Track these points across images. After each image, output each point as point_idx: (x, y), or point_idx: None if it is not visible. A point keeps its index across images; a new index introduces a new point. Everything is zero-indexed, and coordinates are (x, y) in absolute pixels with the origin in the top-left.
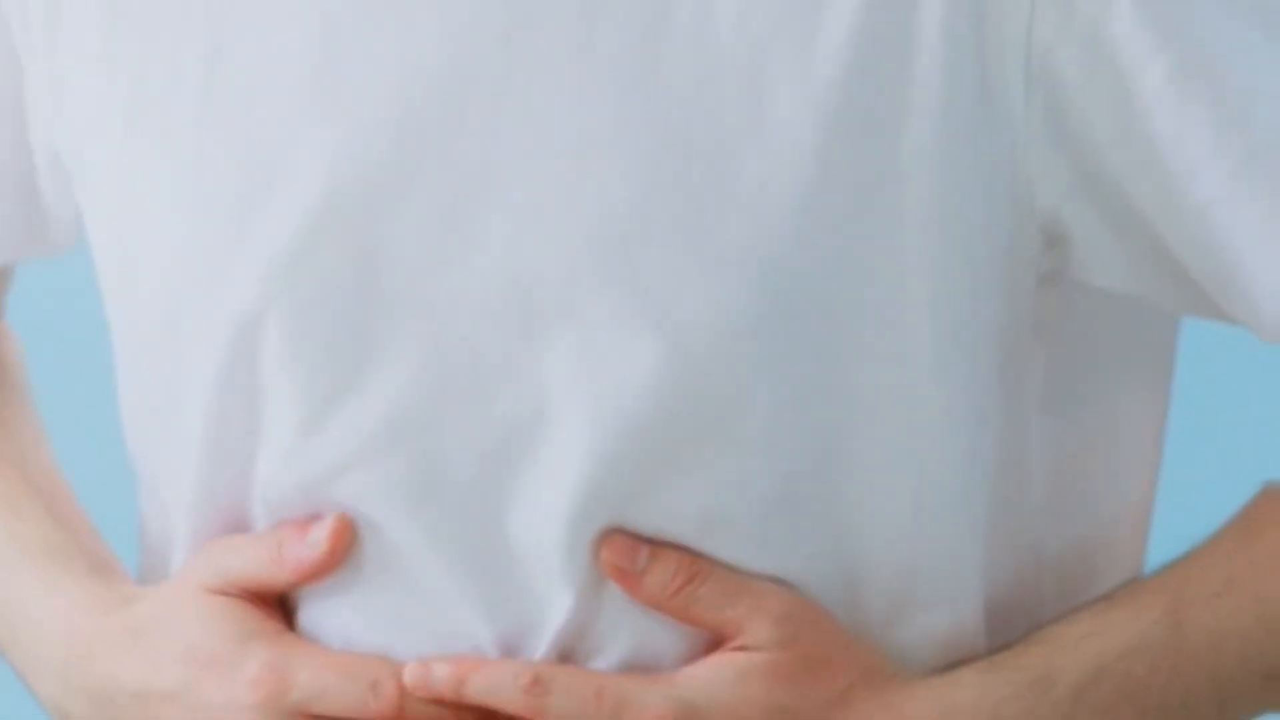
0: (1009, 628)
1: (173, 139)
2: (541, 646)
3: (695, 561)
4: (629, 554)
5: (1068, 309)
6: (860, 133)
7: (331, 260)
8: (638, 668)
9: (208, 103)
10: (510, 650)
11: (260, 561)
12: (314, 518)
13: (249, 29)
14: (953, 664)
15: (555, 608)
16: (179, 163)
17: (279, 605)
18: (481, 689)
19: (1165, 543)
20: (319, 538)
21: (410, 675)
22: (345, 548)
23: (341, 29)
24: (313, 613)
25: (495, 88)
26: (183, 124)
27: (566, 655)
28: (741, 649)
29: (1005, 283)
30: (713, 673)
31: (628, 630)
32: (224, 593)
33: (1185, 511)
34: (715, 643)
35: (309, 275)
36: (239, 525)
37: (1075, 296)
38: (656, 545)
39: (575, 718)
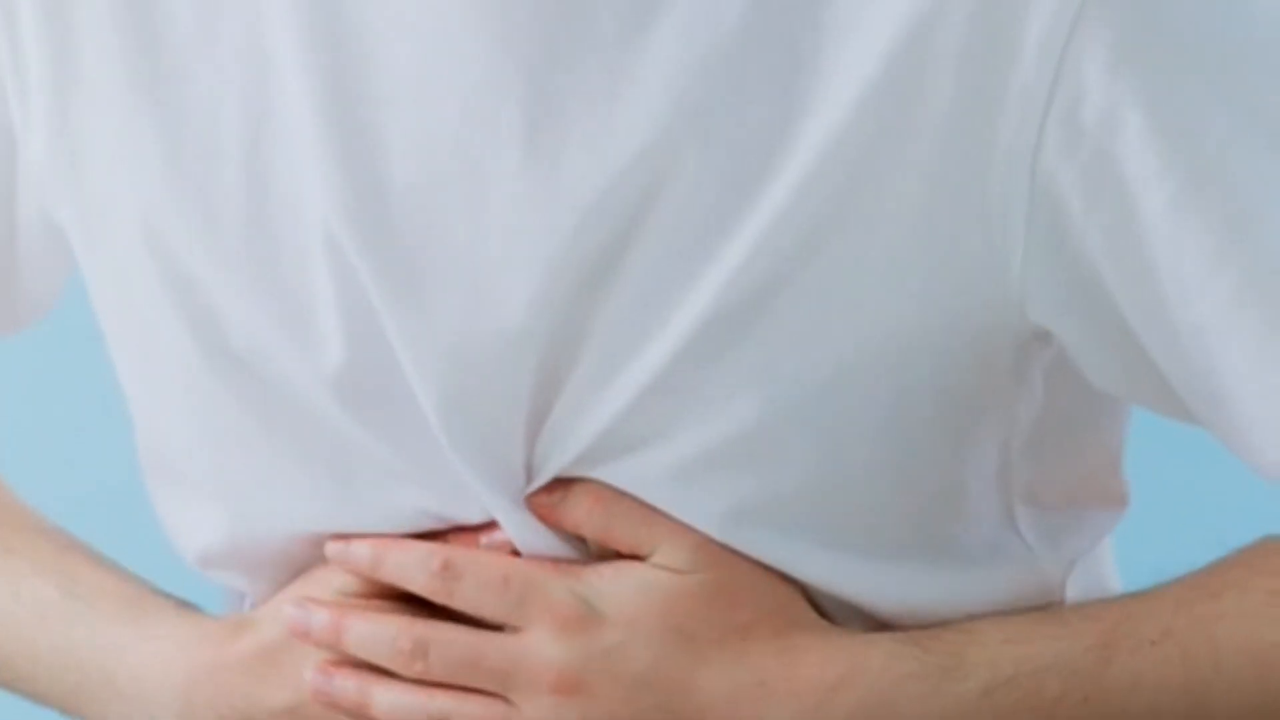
0: None
1: (218, 209)
2: None
3: (611, 491)
4: (547, 493)
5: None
6: (840, 228)
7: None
8: None
9: (252, 158)
10: None
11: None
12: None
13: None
14: (872, 629)
15: None
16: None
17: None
18: (395, 569)
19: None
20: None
21: (331, 550)
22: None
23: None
24: None
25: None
26: (226, 192)
27: None
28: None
29: (977, 356)
30: (619, 577)
31: None
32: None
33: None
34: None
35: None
36: None
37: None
38: (574, 482)
39: (481, 603)
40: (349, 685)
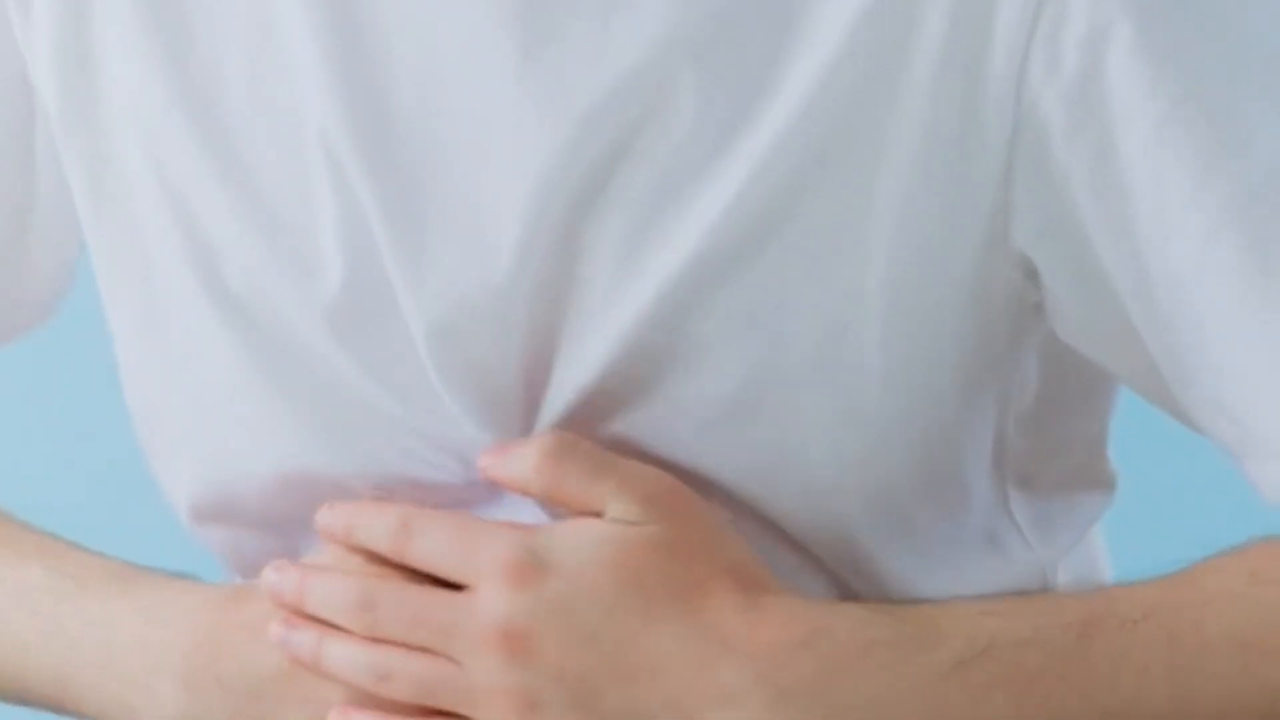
0: None
1: (226, 145)
2: None
3: (560, 439)
4: (496, 450)
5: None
6: (837, 162)
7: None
8: None
9: (253, 100)
10: None
11: (380, 535)
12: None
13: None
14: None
15: None
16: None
17: None
18: (364, 531)
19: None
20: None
21: (319, 518)
22: None
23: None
24: None
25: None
26: (236, 128)
27: None
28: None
29: (971, 309)
30: (571, 532)
31: None
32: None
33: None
34: None
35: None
36: None
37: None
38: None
39: (435, 556)
40: (306, 638)
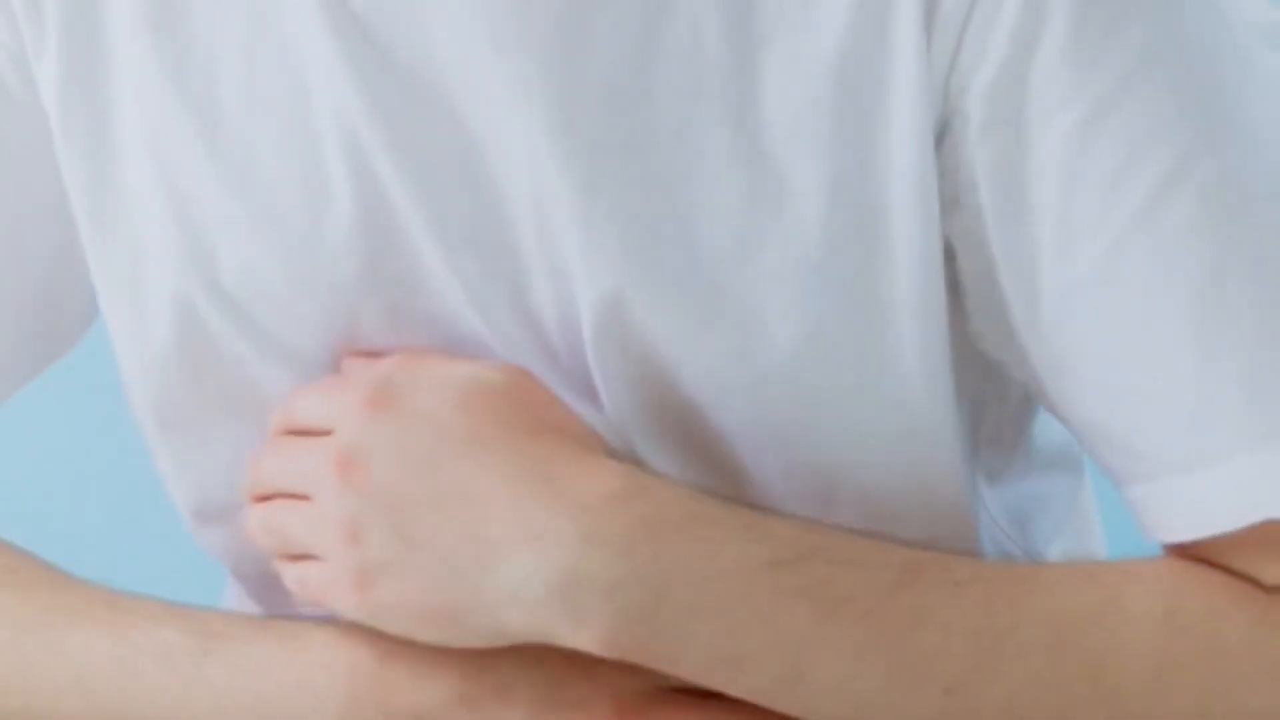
0: None
1: (223, 142)
2: None
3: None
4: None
5: None
6: (856, 168)
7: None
8: None
9: (249, 95)
10: None
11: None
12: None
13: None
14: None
15: None
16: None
17: None
18: (273, 429)
19: None
20: None
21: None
22: None
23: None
24: None
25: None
26: (231, 121)
27: None
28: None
29: (949, 307)
30: (434, 367)
31: None
32: None
33: None
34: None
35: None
36: None
37: None
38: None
39: (313, 409)
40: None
